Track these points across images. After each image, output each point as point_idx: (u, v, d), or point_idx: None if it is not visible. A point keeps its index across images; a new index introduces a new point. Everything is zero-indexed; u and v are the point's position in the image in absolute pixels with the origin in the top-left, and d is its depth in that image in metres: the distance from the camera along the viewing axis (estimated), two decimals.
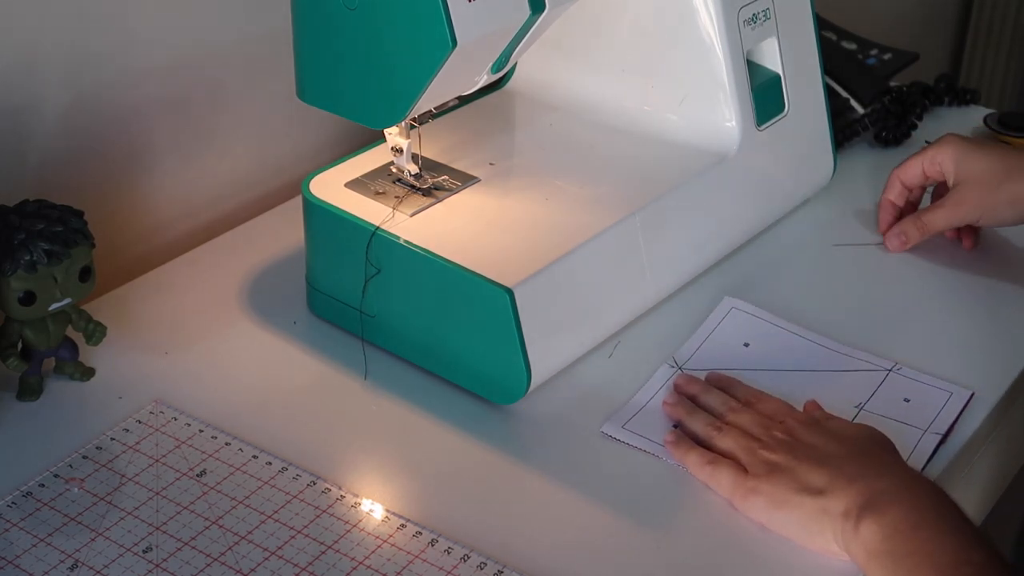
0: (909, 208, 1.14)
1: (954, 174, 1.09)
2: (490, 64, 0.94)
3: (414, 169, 1.00)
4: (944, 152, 1.09)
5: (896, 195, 1.13)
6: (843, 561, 0.79)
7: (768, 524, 0.82)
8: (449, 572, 0.79)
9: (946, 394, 0.93)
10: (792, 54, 1.12)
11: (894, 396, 0.93)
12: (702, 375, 0.95)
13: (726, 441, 0.86)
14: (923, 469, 0.87)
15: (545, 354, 0.92)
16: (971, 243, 1.12)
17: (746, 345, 0.99)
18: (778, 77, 1.11)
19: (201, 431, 0.89)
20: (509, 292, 0.89)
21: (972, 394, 0.93)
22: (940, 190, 1.14)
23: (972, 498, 0.97)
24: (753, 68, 1.08)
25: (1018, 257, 1.13)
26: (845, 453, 0.82)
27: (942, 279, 1.09)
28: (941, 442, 0.89)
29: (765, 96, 1.09)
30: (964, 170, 1.08)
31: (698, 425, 0.89)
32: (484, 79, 0.96)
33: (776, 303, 1.03)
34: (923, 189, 1.14)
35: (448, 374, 0.95)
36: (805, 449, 0.83)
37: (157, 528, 0.81)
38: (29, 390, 0.92)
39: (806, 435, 0.85)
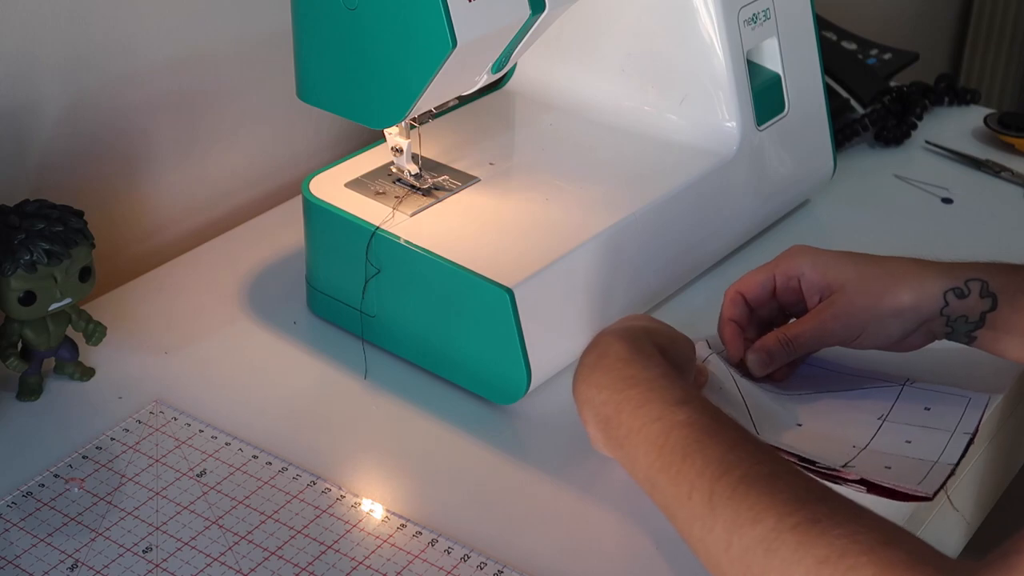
0: (755, 328, 0.95)
1: (821, 286, 0.91)
2: (490, 64, 0.94)
3: (414, 169, 1.00)
4: (800, 261, 0.92)
5: (738, 314, 0.93)
6: None
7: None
8: (449, 572, 0.79)
9: (964, 399, 0.92)
10: (792, 54, 1.12)
11: (914, 406, 0.91)
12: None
13: None
14: (953, 470, 0.84)
15: (545, 354, 0.92)
16: (784, 376, 0.94)
17: None
18: (778, 77, 1.11)
19: (201, 431, 0.89)
20: (509, 292, 0.89)
21: (989, 397, 0.91)
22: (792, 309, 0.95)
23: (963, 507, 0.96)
24: (753, 68, 1.08)
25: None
26: (585, 363, 0.85)
27: None
28: (970, 442, 0.87)
29: (765, 96, 1.09)
30: (835, 280, 0.90)
31: None
32: (484, 79, 0.96)
33: None
34: (773, 308, 0.94)
35: (448, 374, 0.95)
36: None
37: (157, 528, 0.81)
38: (29, 390, 0.92)
39: None
